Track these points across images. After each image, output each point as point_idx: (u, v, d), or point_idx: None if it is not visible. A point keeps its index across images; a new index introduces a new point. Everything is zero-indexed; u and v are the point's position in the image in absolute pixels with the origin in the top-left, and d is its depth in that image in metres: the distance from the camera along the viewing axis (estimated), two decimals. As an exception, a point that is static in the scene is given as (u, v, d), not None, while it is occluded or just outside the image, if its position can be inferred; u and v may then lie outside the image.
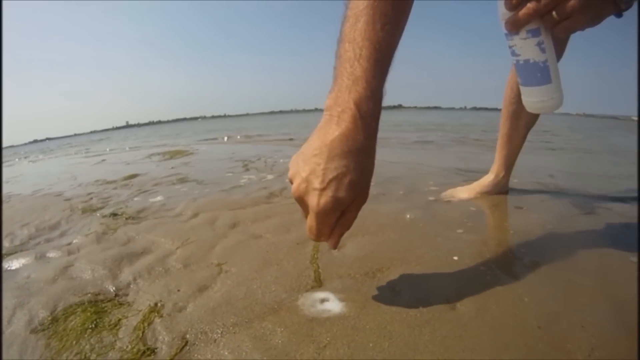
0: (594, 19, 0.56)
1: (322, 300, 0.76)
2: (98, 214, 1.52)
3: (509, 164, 1.38)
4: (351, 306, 0.74)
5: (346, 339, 0.64)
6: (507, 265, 0.88)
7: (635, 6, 0.57)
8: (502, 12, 0.63)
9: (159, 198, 1.73)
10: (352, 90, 0.53)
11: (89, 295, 0.86)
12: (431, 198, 1.45)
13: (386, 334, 0.64)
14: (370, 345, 0.62)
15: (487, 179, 1.42)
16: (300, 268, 0.91)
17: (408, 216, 1.23)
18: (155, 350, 0.65)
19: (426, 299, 0.74)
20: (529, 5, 0.58)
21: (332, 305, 0.75)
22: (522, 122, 1.27)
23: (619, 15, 0.56)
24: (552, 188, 1.57)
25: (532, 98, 0.70)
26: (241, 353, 0.63)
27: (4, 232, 1.36)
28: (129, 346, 0.67)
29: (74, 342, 0.69)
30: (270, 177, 2.08)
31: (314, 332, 0.66)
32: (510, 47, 0.66)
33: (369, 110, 0.53)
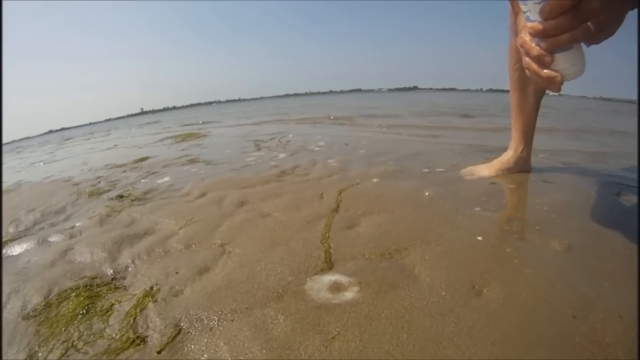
0: (621, 22, 0.55)
1: (332, 284, 0.69)
2: (104, 197, 1.48)
3: (526, 137, 1.26)
4: (365, 291, 0.65)
5: (358, 329, 0.56)
6: (534, 246, 0.78)
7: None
8: None
9: (166, 179, 1.68)
10: None
11: (86, 279, 0.81)
12: (451, 175, 1.34)
13: (404, 324, 0.56)
14: (386, 337, 0.54)
15: (507, 155, 1.31)
16: (309, 248, 0.84)
17: (427, 193, 1.14)
18: (146, 339, 0.59)
19: (449, 284, 0.65)
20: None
21: (343, 290, 0.67)
22: (530, 90, 1.17)
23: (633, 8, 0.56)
24: (576, 168, 1.44)
25: (554, 67, 0.60)
26: (238, 344, 0.56)
27: (10, 219, 1.33)
28: (118, 334, 0.61)
29: (63, 329, 0.64)
30: (282, 155, 2.00)
31: (321, 321, 0.59)
32: (524, 12, 0.57)
33: None
